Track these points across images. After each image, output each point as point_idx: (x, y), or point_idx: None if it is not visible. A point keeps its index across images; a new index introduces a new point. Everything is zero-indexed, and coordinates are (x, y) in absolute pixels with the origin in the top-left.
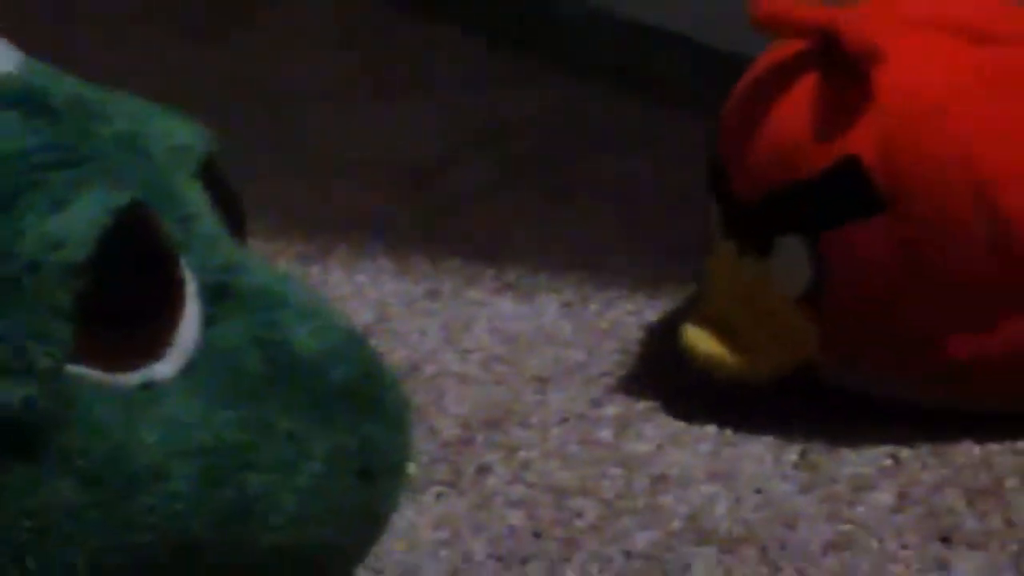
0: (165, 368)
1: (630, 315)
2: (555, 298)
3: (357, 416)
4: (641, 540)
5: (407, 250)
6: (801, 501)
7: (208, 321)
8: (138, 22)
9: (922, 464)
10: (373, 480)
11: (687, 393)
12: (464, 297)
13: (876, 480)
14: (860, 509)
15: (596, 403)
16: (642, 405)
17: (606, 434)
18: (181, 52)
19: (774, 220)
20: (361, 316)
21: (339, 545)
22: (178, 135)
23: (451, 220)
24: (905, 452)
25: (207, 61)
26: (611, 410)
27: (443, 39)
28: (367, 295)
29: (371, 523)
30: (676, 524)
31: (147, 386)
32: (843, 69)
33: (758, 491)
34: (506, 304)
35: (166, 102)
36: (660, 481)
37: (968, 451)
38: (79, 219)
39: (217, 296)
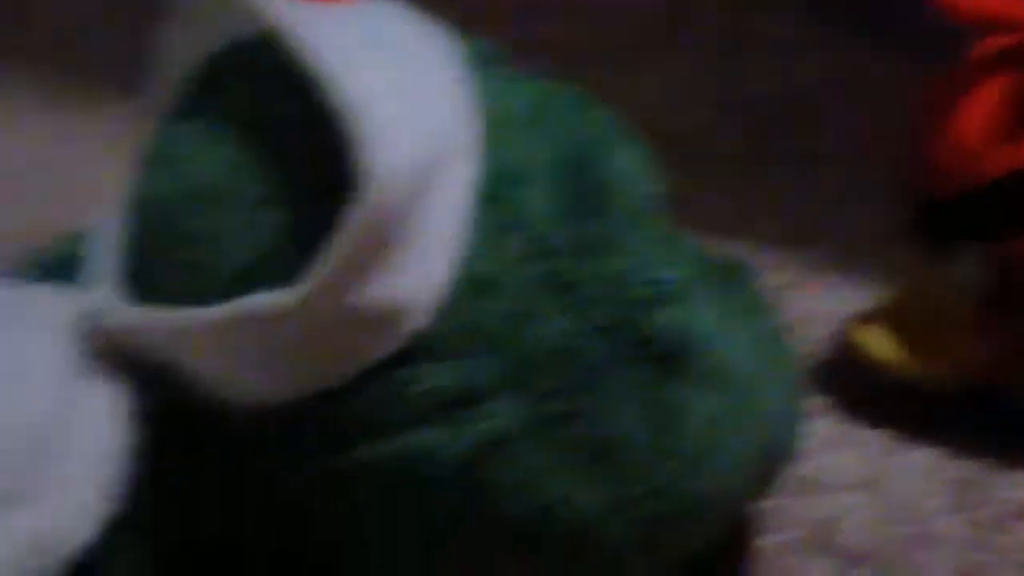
0: None
1: (844, 303)
2: (773, 279)
3: None
4: (762, 541)
5: None
6: (945, 522)
7: None
8: None
9: None
10: None
11: (868, 394)
12: None
13: None
14: (1006, 539)
15: None
16: (816, 401)
17: None
18: None
19: (955, 223)
20: None
21: None
22: None
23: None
24: None
25: None
26: None
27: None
28: None
29: None
30: (803, 531)
31: None
32: None
33: (903, 507)
34: None
35: None
36: (803, 483)
37: None
38: (641, 156)
39: None
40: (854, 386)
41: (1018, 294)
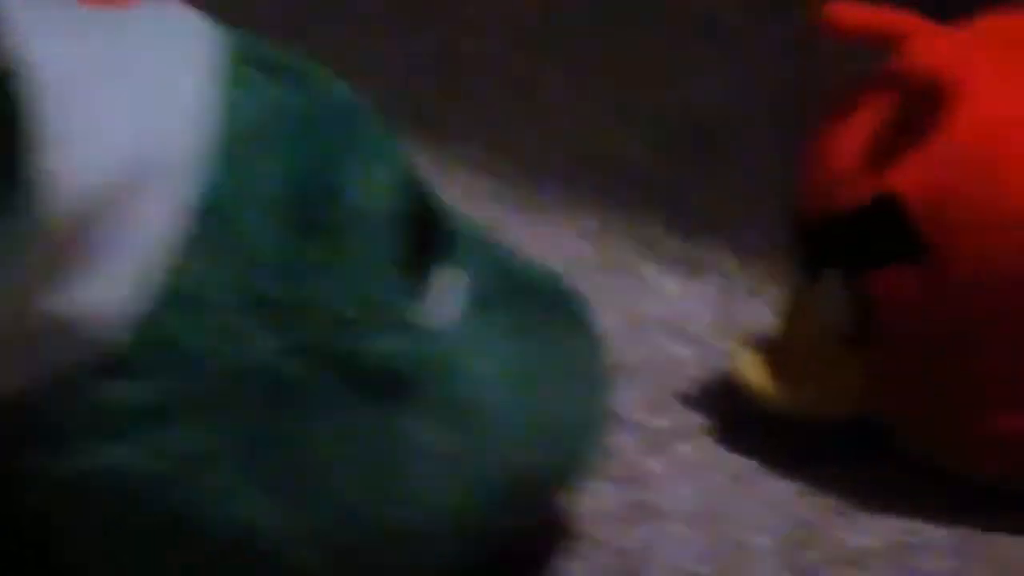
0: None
1: (741, 326)
2: (718, 282)
3: None
4: (567, 567)
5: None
6: (766, 563)
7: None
8: None
9: (936, 553)
10: None
11: (740, 420)
12: (635, 271)
13: (868, 558)
14: None
15: (656, 408)
16: (698, 420)
17: (633, 445)
18: None
19: (818, 250)
20: None
21: None
22: None
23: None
24: (928, 533)
25: None
26: (664, 421)
27: None
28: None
29: None
30: (612, 560)
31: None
32: (919, 95)
33: (728, 543)
34: (669, 281)
35: None
36: (634, 508)
37: (997, 546)
38: (394, 171)
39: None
40: (727, 412)
41: (874, 328)
